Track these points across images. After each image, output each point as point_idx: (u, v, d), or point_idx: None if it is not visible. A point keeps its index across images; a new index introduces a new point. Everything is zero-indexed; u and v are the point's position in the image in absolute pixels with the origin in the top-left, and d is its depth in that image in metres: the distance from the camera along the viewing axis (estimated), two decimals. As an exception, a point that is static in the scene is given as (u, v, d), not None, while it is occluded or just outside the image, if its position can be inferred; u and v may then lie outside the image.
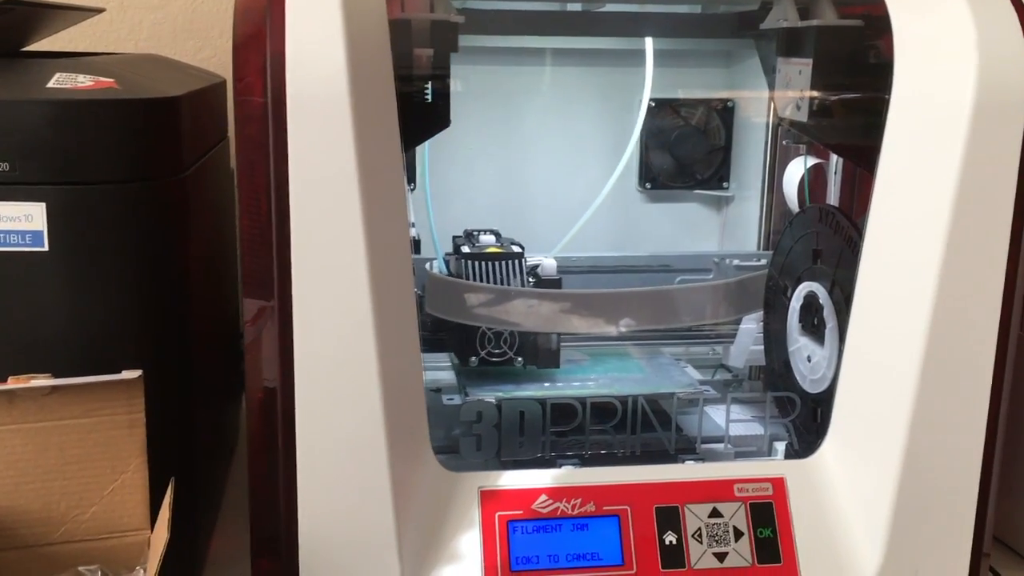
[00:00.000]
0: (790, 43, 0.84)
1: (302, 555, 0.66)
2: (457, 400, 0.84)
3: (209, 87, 0.84)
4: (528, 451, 0.75)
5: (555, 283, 0.89)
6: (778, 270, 0.87)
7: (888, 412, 0.69)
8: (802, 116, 0.82)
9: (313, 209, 0.62)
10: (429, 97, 0.75)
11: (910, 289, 0.68)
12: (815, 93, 0.80)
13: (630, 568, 0.69)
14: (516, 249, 0.89)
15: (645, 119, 1.04)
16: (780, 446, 0.81)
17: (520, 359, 0.86)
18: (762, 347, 0.91)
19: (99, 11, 0.93)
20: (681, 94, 1.06)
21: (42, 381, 0.60)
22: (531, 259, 0.90)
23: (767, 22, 0.87)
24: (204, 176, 0.78)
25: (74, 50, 0.91)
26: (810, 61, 0.80)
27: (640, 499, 0.70)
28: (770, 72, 0.89)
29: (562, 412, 0.77)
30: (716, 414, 0.83)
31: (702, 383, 0.90)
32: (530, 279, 0.88)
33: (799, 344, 0.83)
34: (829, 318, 0.78)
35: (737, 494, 0.71)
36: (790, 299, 0.84)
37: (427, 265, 0.91)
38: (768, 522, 0.71)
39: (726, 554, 0.70)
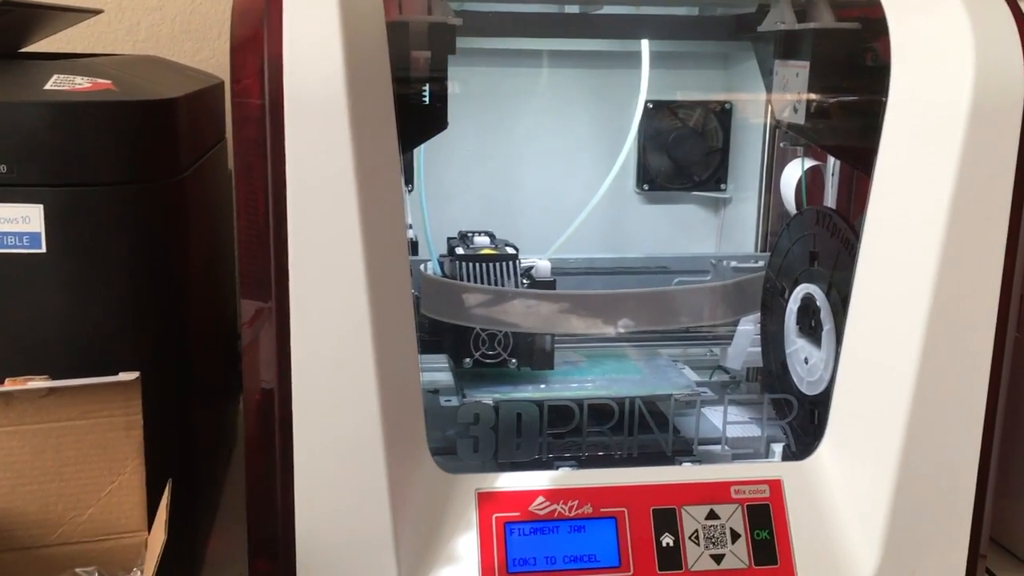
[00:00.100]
0: (787, 45, 0.84)
1: (299, 556, 0.66)
2: (455, 402, 0.84)
3: (207, 88, 0.84)
4: (525, 453, 0.75)
5: (549, 285, 0.89)
6: (775, 272, 0.88)
7: (885, 414, 0.69)
8: (799, 118, 0.82)
9: (310, 211, 0.62)
10: (427, 99, 0.75)
11: (907, 291, 0.68)
12: (812, 95, 0.81)
13: (627, 570, 0.69)
14: (510, 251, 0.89)
15: (643, 121, 1.04)
16: (777, 448, 0.81)
17: (514, 361, 0.86)
18: (759, 349, 0.91)
19: (97, 12, 0.93)
20: (679, 96, 1.06)
21: (39, 383, 0.60)
22: (525, 260, 0.90)
23: (764, 24, 0.87)
24: (202, 178, 0.78)
25: (72, 51, 0.91)
26: (807, 63, 0.80)
27: (637, 501, 0.70)
28: (767, 74, 0.89)
29: (559, 414, 0.77)
30: (713, 416, 0.83)
31: (699, 385, 0.90)
32: (524, 281, 0.88)
33: (796, 346, 0.83)
34: (826, 320, 0.78)
35: (734, 496, 0.71)
36: (787, 301, 0.84)
37: (421, 266, 0.91)
38: (765, 524, 0.71)
39: (723, 556, 0.70)
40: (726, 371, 0.97)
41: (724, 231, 1.11)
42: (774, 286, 0.88)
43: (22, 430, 0.59)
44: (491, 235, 0.94)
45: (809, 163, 0.93)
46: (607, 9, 0.96)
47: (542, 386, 0.86)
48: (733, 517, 0.71)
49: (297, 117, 0.61)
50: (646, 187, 1.08)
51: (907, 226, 0.68)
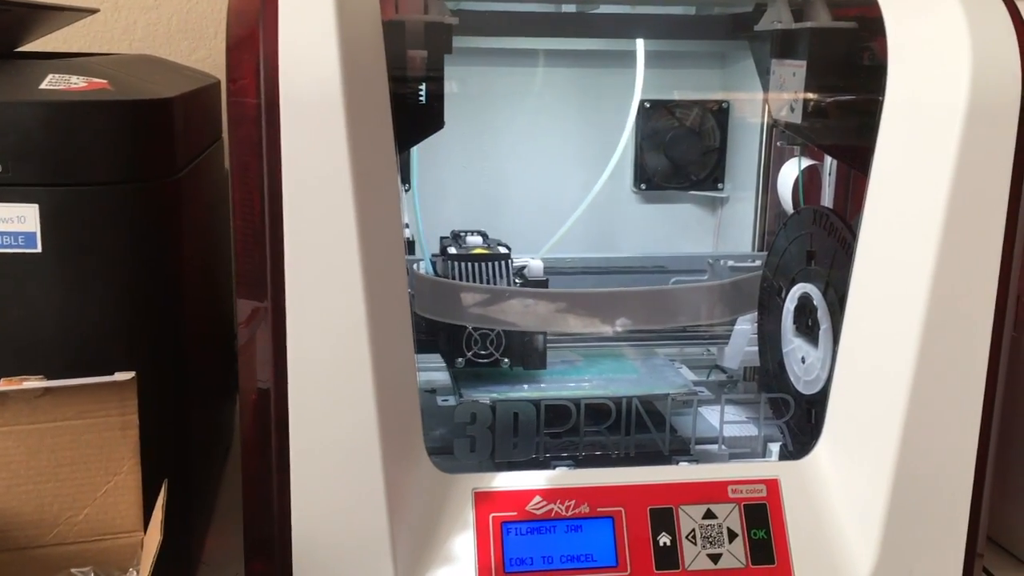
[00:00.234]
0: (784, 45, 0.84)
1: (295, 556, 0.66)
2: (451, 401, 0.84)
3: (203, 88, 0.84)
4: (522, 452, 0.75)
5: (541, 284, 0.89)
6: (772, 271, 0.88)
7: (882, 413, 0.69)
8: (796, 118, 0.82)
9: (307, 210, 0.62)
10: (423, 98, 0.75)
11: (904, 290, 0.68)
12: (809, 95, 0.81)
13: (624, 569, 0.69)
14: (503, 250, 0.89)
15: (640, 120, 1.04)
16: (774, 447, 0.81)
17: (506, 360, 0.86)
18: (756, 348, 0.91)
19: (93, 11, 0.93)
20: (676, 95, 1.06)
21: (34, 383, 0.60)
22: (518, 260, 0.90)
23: (761, 24, 0.87)
24: (198, 177, 0.78)
25: (68, 51, 0.90)
26: (804, 63, 0.80)
27: (634, 500, 0.70)
28: (764, 74, 0.89)
29: (556, 413, 0.77)
30: (710, 415, 0.83)
31: (696, 384, 0.90)
32: (517, 280, 0.88)
33: (793, 345, 0.83)
34: (823, 319, 0.78)
35: (731, 495, 0.71)
36: (784, 300, 0.84)
37: (414, 266, 0.91)
38: (762, 523, 0.71)
39: (720, 555, 0.70)
40: (723, 370, 0.97)
41: (721, 230, 1.11)
42: (771, 285, 0.88)
43: (17, 430, 0.59)
44: (484, 234, 0.94)
45: (806, 162, 0.93)
46: (604, 8, 0.96)
47: (540, 386, 0.86)
48: (730, 517, 0.71)
49: (293, 116, 0.61)
50: (643, 187, 1.08)
51: (904, 225, 0.68)
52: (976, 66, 0.66)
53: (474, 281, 0.86)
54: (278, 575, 0.66)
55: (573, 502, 0.70)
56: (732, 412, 0.83)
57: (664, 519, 0.70)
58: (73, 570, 0.61)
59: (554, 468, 0.75)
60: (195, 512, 0.79)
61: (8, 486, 0.60)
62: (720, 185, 1.08)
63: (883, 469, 0.69)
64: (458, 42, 0.76)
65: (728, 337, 0.96)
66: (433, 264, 0.92)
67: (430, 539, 0.68)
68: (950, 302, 0.67)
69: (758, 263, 0.94)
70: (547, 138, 1.06)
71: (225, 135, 0.75)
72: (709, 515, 0.71)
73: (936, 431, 0.69)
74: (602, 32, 1.01)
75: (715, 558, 0.70)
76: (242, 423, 0.67)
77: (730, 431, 0.81)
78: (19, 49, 0.85)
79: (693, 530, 0.70)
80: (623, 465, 0.76)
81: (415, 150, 0.93)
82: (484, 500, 0.70)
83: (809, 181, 0.93)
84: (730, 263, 0.98)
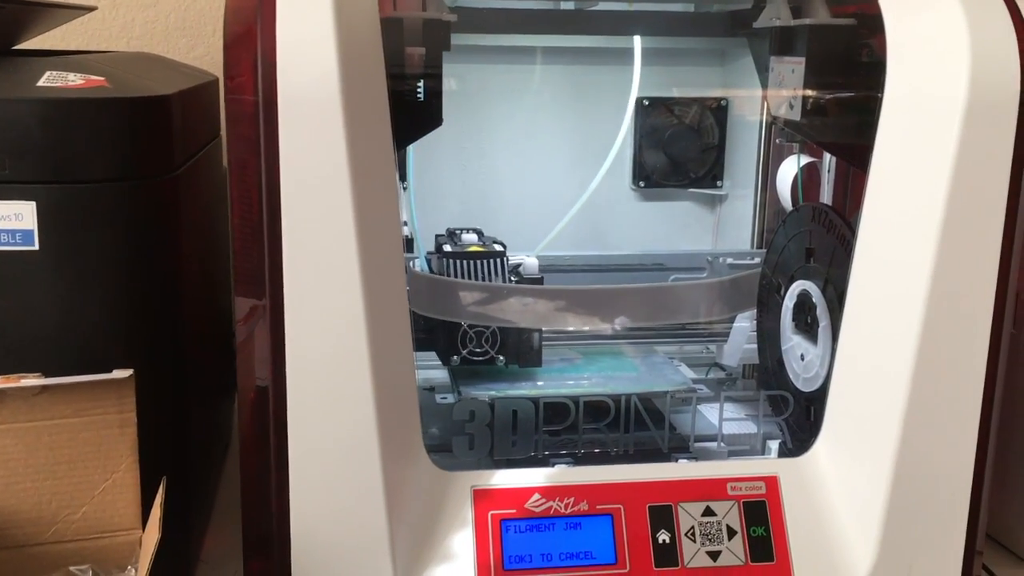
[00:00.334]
0: (783, 42, 0.84)
1: (294, 554, 0.66)
2: (450, 399, 0.84)
3: (201, 85, 0.84)
4: (521, 450, 0.75)
5: (537, 282, 0.89)
6: (771, 268, 0.87)
7: (881, 410, 0.69)
8: (795, 115, 0.82)
9: (305, 208, 0.62)
10: (421, 96, 0.75)
11: (903, 287, 0.68)
12: (808, 92, 0.80)
13: (623, 567, 0.69)
14: (498, 248, 0.89)
15: (639, 118, 1.04)
16: (773, 444, 0.81)
17: (502, 358, 0.86)
18: (755, 345, 0.91)
19: (91, 9, 0.93)
20: (675, 92, 1.06)
21: (32, 381, 0.60)
22: (513, 258, 0.90)
23: (760, 21, 0.87)
24: (196, 174, 0.78)
25: (66, 48, 0.90)
26: (803, 60, 0.80)
27: (633, 498, 0.70)
28: (763, 71, 0.89)
29: (555, 411, 0.76)
30: (709, 412, 0.83)
31: (695, 382, 0.90)
32: (512, 278, 0.88)
33: (792, 342, 0.83)
34: (822, 316, 0.78)
35: (730, 493, 0.71)
36: (783, 297, 0.84)
37: (410, 263, 0.91)
38: (761, 521, 0.71)
39: (719, 553, 0.70)
40: (722, 368, 0.97)
41: (720, 228, 1.11)
42: (770, 283, 0.88)
43: (15, 428, 0.59)
44: (479, 232, 0.93)
45: (805, 159, 0.93)
46: (602, 5, 0.96)
47: (538, 383, 0.86)
48: (729, 514, 0.71)
49: (291, 114, 0.61)
50: (642, 184, 1.07)
51: (903, 223, 0.68)
52: (975, 63, 0.65)
53: (470, 279, 0.86)
54: (277, 573, 0.66)
55: (572, 500, 0.70)
56: (731, 409, 0.83)
57: (663, 516, 0.70)
58: (71, 568, 0.61)
59: (553, 466, 0.75)
60: (194, 510, 0.79)
61: (6, 484, 0.60)
62: (719, 182, 1.08)
63: (882, 466, 0.69)
64: (456, 39, 0.76)
65: (727, 335, 0.96)
66: (428, 262, 0.92)
67: (429, 537, 0.68)
68: (949, 299, 0.67)
69: (757, 260, 0.94)
70: (544, 135, 1.06)
71: (223, 132, 0.75)
72: (708, 512, 0.71)
73: (935, 428, 0.69)
74: (600, 29, 1.01)
75: (714, 555, 0.70)
76: (240, 421, 0.67)
77: (729, 428, 0.81)
78: (16, 47, 0.85)
79: (692, 527, 0.70)
80: (622, 462, 0.76)
81: (411, 147, 0.93)
82: (483, 498, 0.70)
83: (808, 178, 0.93)
84: (729, 260, 0.98)
